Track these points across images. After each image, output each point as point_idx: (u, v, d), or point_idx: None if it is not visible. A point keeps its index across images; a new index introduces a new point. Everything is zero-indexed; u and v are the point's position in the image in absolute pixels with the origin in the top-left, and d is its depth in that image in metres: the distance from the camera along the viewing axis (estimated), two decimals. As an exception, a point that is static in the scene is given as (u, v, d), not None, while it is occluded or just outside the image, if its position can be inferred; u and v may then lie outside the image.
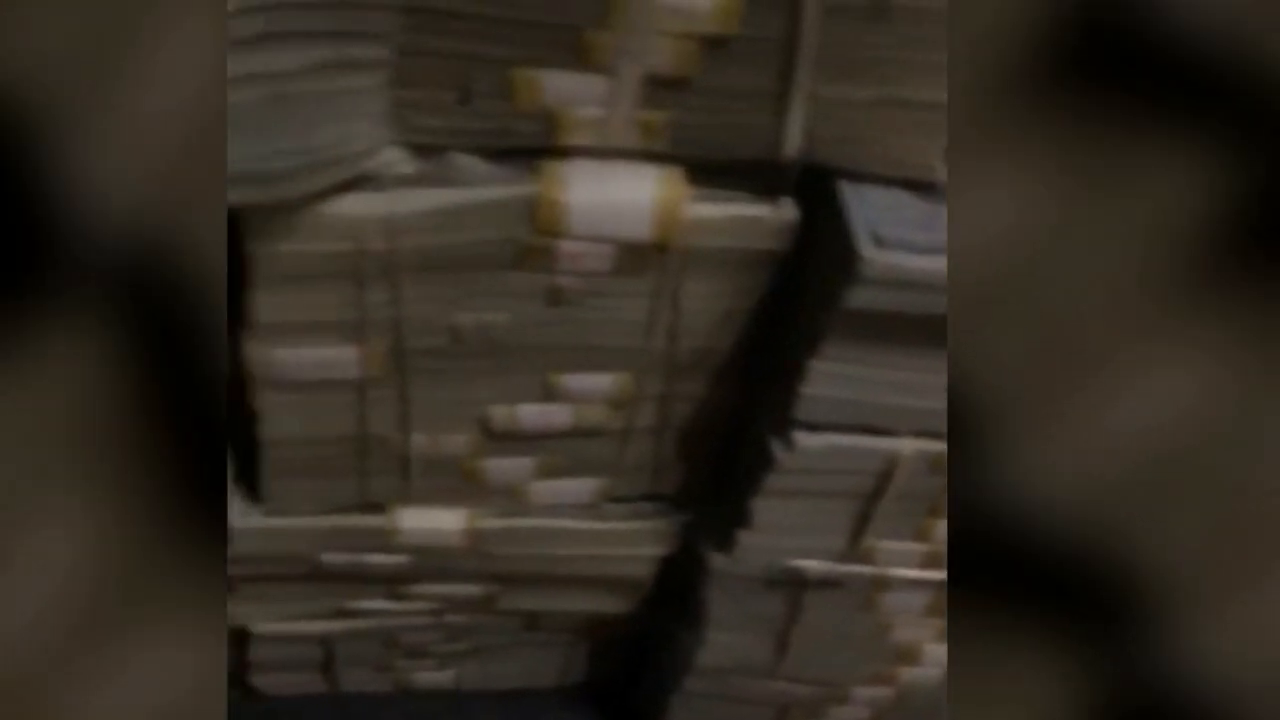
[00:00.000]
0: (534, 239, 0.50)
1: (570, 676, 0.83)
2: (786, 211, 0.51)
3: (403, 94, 0.46)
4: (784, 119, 0.48)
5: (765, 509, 0.60)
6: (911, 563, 0.63)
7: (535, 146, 0.48)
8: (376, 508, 0.63)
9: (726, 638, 0.68)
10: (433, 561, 0.66)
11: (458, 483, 0.62)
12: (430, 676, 0.80)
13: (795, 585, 0.65)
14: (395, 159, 0.48)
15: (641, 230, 0.50)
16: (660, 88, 0.47)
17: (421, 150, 0.48)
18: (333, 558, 0.65)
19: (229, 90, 0.39)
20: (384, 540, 0.64)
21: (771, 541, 0.62)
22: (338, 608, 0.71)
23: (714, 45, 0.45)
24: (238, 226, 0.47)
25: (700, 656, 0.69)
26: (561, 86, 0.46)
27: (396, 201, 0.48)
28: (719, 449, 0.63)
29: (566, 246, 0.50)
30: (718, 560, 0.64)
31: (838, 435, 0.56)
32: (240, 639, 0.74)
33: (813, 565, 0.63)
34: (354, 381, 0.55)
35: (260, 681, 0.78)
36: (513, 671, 0.81)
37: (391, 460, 0.60)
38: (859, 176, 0.50)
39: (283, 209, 0.46)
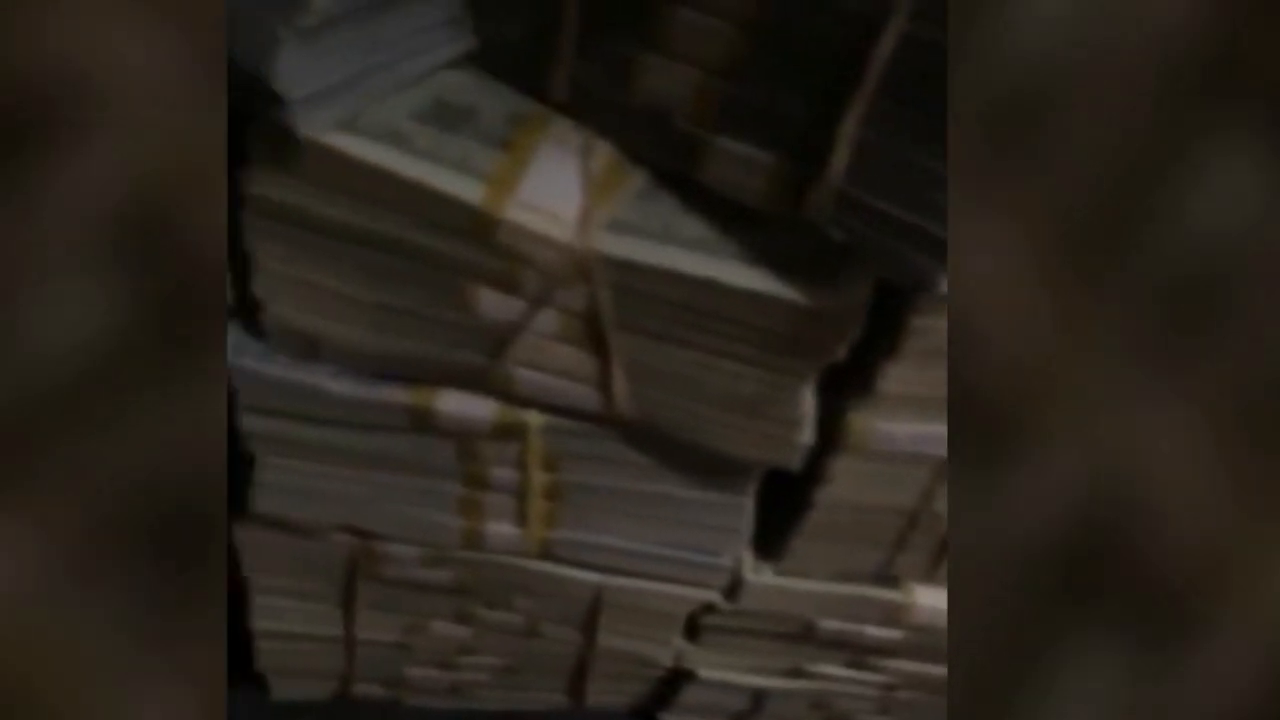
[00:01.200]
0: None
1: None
2: None
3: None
4: None
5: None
6: None
7: None
8: (890, 580, 0.61)
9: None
10: (924, 640, 0.63)
11: (987, 568, 0.59)
12: (836, 740, 0.78)
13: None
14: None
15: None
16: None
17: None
18: (830, 624, 0.63)
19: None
20: (890, 614, 0.62)
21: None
22: (795, 667, 0.69)
23: None
24: (901, 297, 0.46)
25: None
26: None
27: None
28: None
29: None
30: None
31: None
32: (680, 677, 0.73)
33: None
34: (937, 458, 0.53)
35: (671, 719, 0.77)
36: (919, 747, 0.78)
37: (933, 537, 0.57)
38: None
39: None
